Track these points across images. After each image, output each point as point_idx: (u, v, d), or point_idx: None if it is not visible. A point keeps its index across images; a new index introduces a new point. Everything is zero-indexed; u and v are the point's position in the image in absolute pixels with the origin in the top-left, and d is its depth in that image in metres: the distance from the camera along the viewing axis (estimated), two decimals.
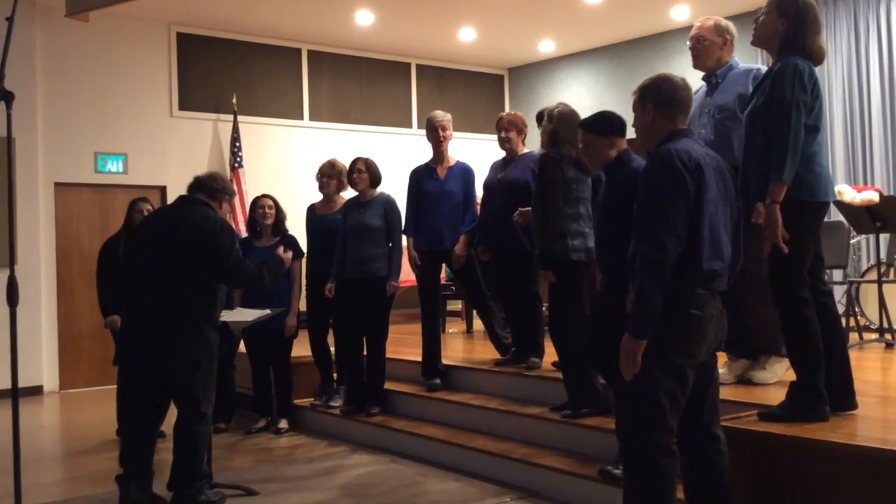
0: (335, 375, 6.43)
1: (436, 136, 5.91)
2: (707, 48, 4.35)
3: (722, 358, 4.43)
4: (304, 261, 6.35)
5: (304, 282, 6.37)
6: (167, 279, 4.21)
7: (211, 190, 4.46)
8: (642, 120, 3.16)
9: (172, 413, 4.40)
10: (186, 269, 4.21)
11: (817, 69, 3.55)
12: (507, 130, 5.63)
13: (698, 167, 2.92)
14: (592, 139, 3.83)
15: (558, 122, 4.79)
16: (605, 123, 3.85)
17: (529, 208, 5.06)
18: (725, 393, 3.73)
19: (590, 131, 3.85)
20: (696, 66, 4.43)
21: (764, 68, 3.92)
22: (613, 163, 3.82)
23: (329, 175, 6.29)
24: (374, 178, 5.98)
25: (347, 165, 6.14)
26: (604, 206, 3.89)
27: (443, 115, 5.95)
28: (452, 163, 5.96)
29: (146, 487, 4.31)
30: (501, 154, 5.81)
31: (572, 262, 4.67)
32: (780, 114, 3.40)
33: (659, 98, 3.10)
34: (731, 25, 4.40)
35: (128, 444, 4.36)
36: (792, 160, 3.36)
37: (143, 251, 4.38)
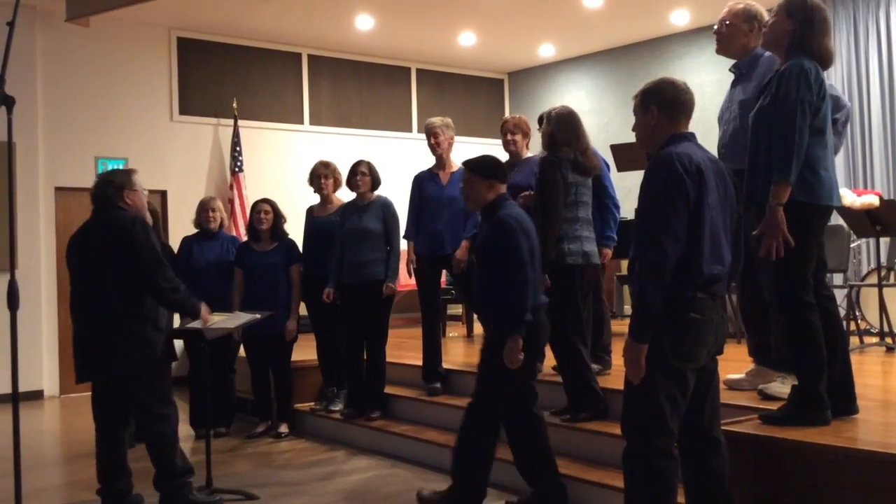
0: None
1: (431, 143, 5.93)
2: (731, 33, 4.12)
3: (746, 364, 4.41)
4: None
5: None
6: (94, 292, 4.22)
7: (107, 198, 4.34)
8: (644, 122, 3.14)
9: None
10: (110, 276, 4.17)
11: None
12: (514, 133, 5.60)
13: (699, 171, 2.92)
14: (474, 179, 4.18)
15: (556, 125, 4.76)
16: (488, 167, 4.22)
17: (530, 192, 5.03)
18: (726, 396, 3.72)
19: (472, 171, 4.20)
20: (719, 51, 4.22)
21: None
22: (489, 206, 4.17)
23: (325, 175, 6.29)
24: (376, 181, 5.98)
25: (346, 170, 6.13)
26: (479, 251, 4.29)
27: (437, 122, 5.95)
28: (455, 168, 5.96)
29: (125, 497, 4.32)
30: (502, 158, 5.80)
31: (567, 266, 4.66)
32: (785, 114, 3.36)
33: (662, 101, 3.08)
34: (762, 12, 4.08)
35: (98, 457, 4.32)
36: (796, 161, 3.33)
37: (71, 271, 4.39)
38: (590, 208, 4.82)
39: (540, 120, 5.11)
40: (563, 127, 4.76)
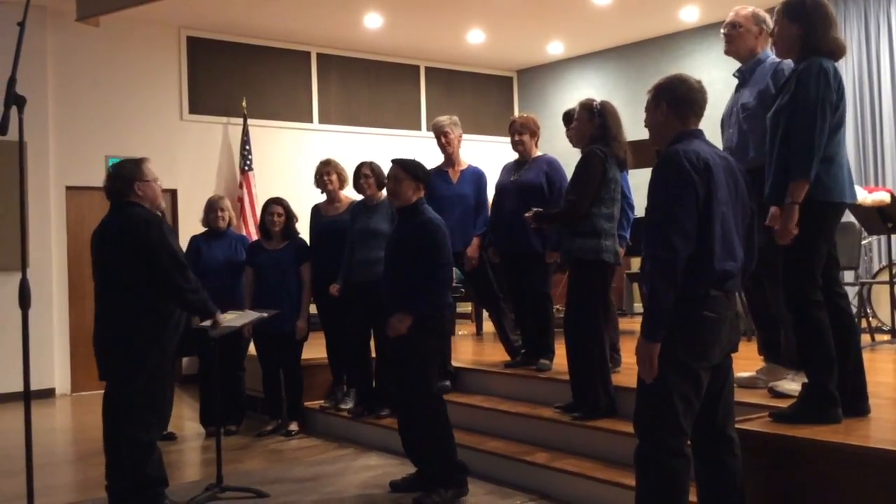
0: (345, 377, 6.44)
1: (441, 142, 5.95)
2: (741, 35, 4.16)
3: (757, 362, 4.40)
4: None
5: None
6: (104, 298, 4.17)
7: (118, 192, 4.21)
8: (654, 118, 3.14)
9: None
10: (119, 284, 4.09)
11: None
12: (521, 133, 5.62)
13: (707, 167, 2.91)
14: (404, 177, 4.42)
15: (610, 116, 4.78)
16: (420, 169, 4.50)
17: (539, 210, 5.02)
18: (736, 394, 3.69)
19: (404, 170, 4.43)
20: (728, 51, 4.25)
21: (789, 62, 3.82)
22: (411, 206, 4.43)
23: (327, 172, 6.28)
24: (381, 181, 5.97)
25: (354, 167, 6.12)
26: (394, 248, 4.48)
27: (445, 121, 5.95)
28: (465, 166, 5.97)
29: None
30: (511, 156, 5.81)
31: (603, 263, 4.66)
32: (805, 112, 3.36)
33: (673, 98, 3.08)
34: (769, 18, 4.16)
35: (107, 454, 4.30)
36: (815, 160, 3.33)
37: (92, 262, 4.29)
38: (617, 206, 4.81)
39: (568, 116, 5.06)
40: (615, 119, 4.79)
